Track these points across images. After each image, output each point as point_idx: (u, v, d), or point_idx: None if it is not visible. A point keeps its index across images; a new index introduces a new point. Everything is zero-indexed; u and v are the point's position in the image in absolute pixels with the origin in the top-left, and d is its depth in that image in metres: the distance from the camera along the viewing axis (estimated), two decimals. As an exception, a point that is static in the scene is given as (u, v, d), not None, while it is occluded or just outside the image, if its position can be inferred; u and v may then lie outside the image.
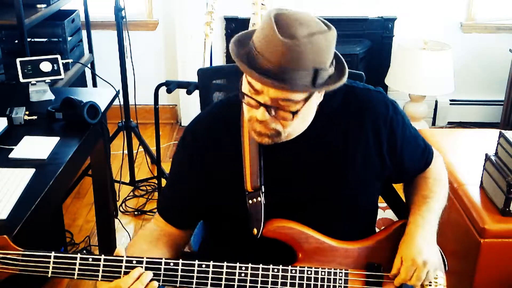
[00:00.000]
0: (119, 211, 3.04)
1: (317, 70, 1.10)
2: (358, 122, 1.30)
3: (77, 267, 1.17)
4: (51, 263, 1.17)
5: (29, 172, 1.76)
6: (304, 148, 1.29)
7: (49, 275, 1.17)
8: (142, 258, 1.20)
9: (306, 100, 1.15)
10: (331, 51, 1.14)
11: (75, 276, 1.18)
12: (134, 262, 1.19)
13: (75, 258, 1.17)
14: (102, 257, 1.18)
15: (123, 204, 3.13)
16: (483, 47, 4.04)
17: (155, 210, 3.00)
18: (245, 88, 1.18)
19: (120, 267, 1.19)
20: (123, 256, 1.20)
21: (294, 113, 1.16)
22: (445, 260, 1.42)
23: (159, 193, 2.93)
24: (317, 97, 1.21)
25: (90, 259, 1.18)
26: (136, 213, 3.07)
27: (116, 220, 2.80)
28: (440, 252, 1.41)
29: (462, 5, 3.95)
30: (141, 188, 3.31)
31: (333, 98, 1.30)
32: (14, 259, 1.16)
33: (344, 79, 1.17)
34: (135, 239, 1.39)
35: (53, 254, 1.17)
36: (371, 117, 1.31)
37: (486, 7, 3.99)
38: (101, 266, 1.18)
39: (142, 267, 1.19)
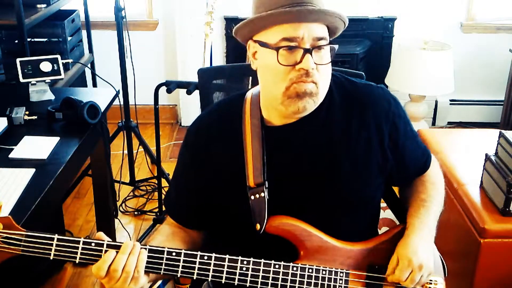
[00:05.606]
0: (119, 211, 3.04)
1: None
2: (359, 116, 1.31)
3: (79, 251, 1.17)
4: (54, 245, 1.17)
5: (29, 172, 1.76)
6: (306, 143, 1.29)
7: (51, 257, 1.17)
8: (146, 246, 1.20)
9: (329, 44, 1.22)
10: None
11: (77, 260, 1.17)
12: None
13: (78, 242, 1.17)
14: (105, 242, 1.18)
15: (123, 204, 3.14)
16: (483, 47, 4.04)
17: (155, 210, 3.03)
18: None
19: None
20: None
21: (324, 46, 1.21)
22: (445, 266, 1.41)
23: (159, 193, 2.93)
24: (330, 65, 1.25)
25: (93, 244, 1.17)
26: (136, 213, 3.08)
27: (116, 220, 2.80)
28: (440, 258, 1.41)
29: (462, 5, 3.96)
30: (141, 188, 3.32)
31: (332, 92, 1.31)
32: (17, 239, 1.16)
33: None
34: (153, 235, 1.38)
35: (56, 236, 1.17)
36: (372, 111, 1.31)
37: (486, 7, 3.99)
38: (103, 251, 1.17)
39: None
